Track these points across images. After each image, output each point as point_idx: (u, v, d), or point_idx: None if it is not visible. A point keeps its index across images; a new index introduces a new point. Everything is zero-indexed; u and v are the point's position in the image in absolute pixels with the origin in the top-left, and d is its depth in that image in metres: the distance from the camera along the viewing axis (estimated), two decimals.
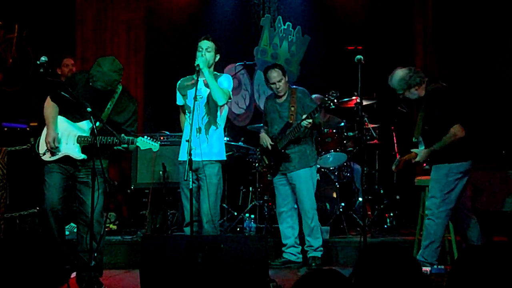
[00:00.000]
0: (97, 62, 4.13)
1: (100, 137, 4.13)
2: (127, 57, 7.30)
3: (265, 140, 5.20)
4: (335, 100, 4.76)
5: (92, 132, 4.10)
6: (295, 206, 5.25)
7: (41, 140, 4.31)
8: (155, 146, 4.24)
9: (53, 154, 4.26)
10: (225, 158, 4.70)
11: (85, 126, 4.26)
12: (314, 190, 5.19)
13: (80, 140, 4.24)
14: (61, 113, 4.30)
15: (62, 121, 4.29)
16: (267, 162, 5.29)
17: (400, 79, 4.51)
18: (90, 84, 4.10)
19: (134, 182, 6.19)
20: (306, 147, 5.15)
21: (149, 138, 4.25)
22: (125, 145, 4.18)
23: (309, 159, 5.18)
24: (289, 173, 5.15)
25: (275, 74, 5.11)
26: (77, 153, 4.25)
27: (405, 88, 4.50)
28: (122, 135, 4.17)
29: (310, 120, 4.84)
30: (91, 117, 4.03)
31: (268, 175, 6.35)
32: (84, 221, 4.25)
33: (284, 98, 5.20)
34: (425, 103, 4.49)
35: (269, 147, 5.17)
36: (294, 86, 5.29)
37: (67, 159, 4.29)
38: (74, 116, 4.28)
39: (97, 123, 4.07)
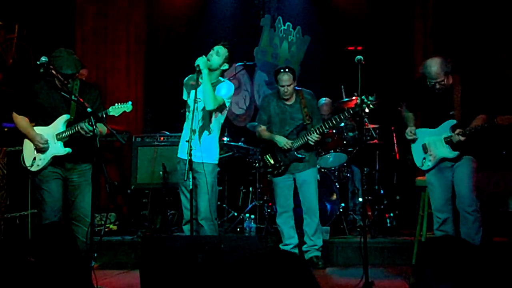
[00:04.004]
0: (53, 56, 4.26)
1: (74, 126, 4.27)
2: (127, 57, 7.30)
3: (286, 143, 5.11)
4: (371, 106, 4.76)
5: (93, 133, 4.12)
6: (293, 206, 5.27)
7: (24, 154, 4.48)
8: (127, 106, 4.29)
9: (41, 153, 4.37)
10: (216, 162, 4.63)
11: (58, 124, 4.38)
12: None
13: (59, 137, 4.37)
14: (34, 123, 4.45)
15: (37, 130, 4.42)
16: (272, 162, 5.24)
17: (441, 63, 4.47)
18: (61, 71, 4.20)
19: (134, 182, 6.20)
20: (313, 148, 5.23)
21: (118, 103, 4.31)
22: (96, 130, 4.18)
23: (316, 159, 5.29)
24: (298, 173, 5.17)
25: (286, 78, 5.11)
26: (61, 149, 4.38)
27: (447, 72, 4.49)
28: (100, 113, 4.26)
29: (318, 136, 5.00)
30: (91, 117, 4.06)
31: (268, 175, 6.37)
32: (78, 221, 4.32)
33: (293, 100, 5.22)
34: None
35: (290, 147, 5.11)
36: (298, 88, 5.27)
37: (56, 162, 4.40)
38: (46, 120, 4.41)
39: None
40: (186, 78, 4.80)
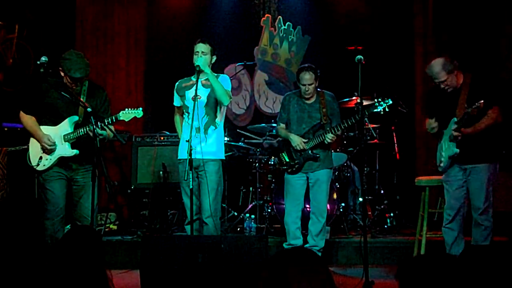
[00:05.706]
0: (63, 58, 4.24)
1: (83, 128, 4.26)
2: (127, 57, 7.30)
3: (299, 142, 5.11)
4: (387, 109, 4.74)
5: (93, 134, 4.12)
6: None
7: (30, 153, 4.44)
8: (138, 112, 4.31)
9: (48, 153, 4.33)
10: (224, 157, 4.71)
11: (66, 124, 4.36)
12: None
13: (67, 138, 4.34)
14: (40, 123, 4.41)
15: (44, 129, 4.39)
16: (287, 160, 5.23)
17: (443, 63, 4.47)
18: (69, 74, 4.19)
19: (134, 182, 6.20)
20: (329, 148, 5.23)
21: (129, 109, 4.32)
22: (104, 133, 4.24)
23: (331, 160, 5.28)
24: (311, 172, 5.15)
25: (307, 77, 5.10)
26: (68, 151, 4.35)
27: (450, 72, 4.48)
28: (110, 118, 4.30)
29: (333, 136, 5.00)
30: (91, 117, 4.06)
31: (269, 175, 6.38)
32: (82, 221, 4.32)
33: (313, 99, 5.21)
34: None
35: (302, 147, 5.11)
36: (320, 89, 5.27)
37: (61, 162, 4.37)
38: (53, 120, 4.38)
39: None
40: (178, 83, 4.84)
